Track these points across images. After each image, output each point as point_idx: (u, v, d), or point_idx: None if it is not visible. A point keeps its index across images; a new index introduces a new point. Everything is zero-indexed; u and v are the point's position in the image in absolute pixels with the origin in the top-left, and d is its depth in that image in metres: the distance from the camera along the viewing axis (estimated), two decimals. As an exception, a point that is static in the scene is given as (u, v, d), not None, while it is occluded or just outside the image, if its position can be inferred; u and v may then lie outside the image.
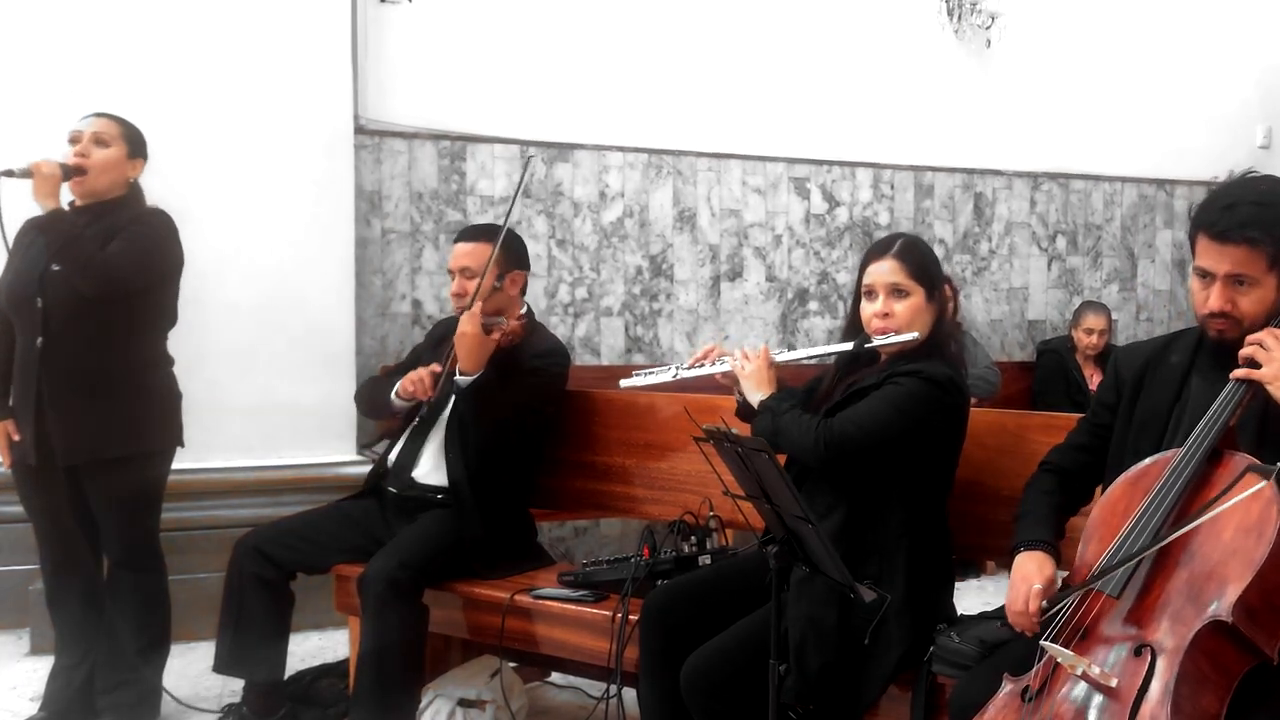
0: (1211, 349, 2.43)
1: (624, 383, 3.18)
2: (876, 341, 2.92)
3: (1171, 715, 1.99)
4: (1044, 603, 2.33)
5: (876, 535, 2.80)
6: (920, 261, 2.95)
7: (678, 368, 3.12)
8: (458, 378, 3.56)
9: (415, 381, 3.66)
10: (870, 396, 2.84)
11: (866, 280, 2.97)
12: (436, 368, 3.67)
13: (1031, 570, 2.45)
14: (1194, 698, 2.03)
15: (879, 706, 2.77)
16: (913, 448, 2.80)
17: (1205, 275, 2.36)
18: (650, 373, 3.16)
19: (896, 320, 2.90)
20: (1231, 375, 2.28)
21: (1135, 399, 2.53)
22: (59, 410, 3.48)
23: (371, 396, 3.91)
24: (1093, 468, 2.64)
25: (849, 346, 3.01)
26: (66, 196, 3.53)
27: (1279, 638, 2.09)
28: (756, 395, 2.96)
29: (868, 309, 2.96)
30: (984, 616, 2.77)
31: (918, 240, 3.05)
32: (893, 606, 2.68)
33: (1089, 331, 6.44)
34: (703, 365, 3.08)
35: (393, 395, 3.74)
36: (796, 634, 2.71)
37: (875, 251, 2.99)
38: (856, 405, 2.85)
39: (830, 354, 3.11)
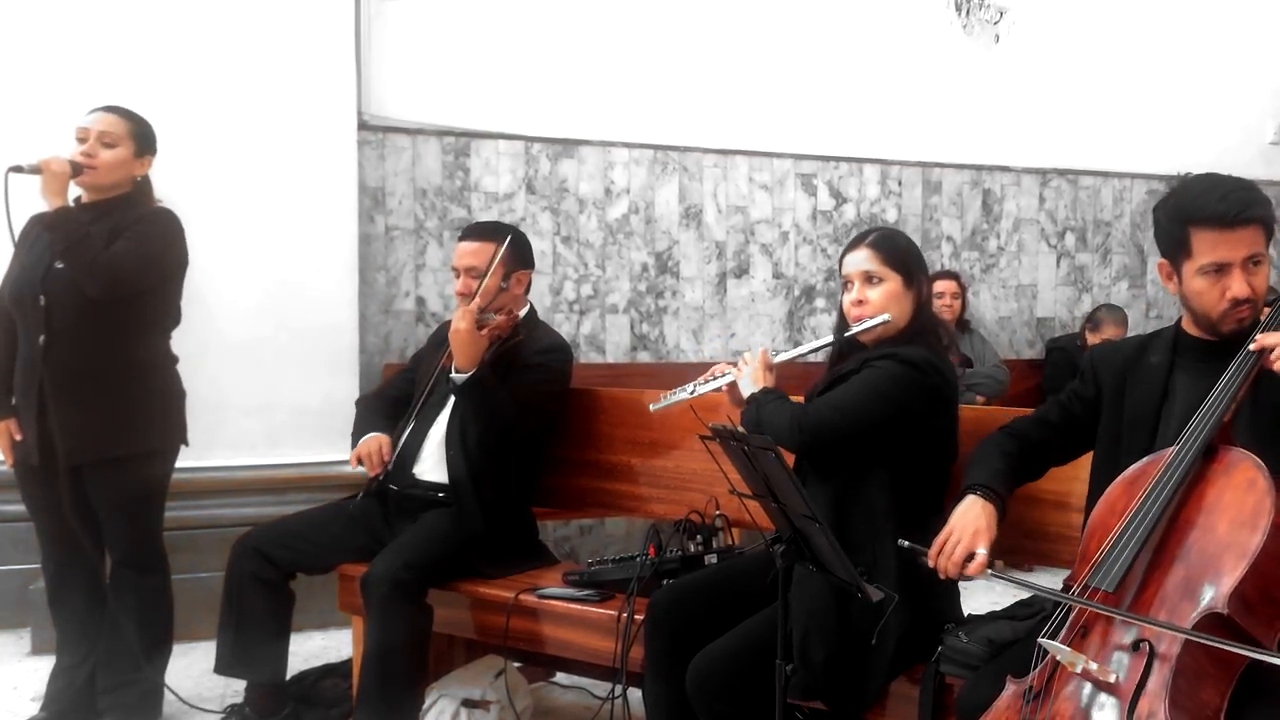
0: (1192, 346, 2.47)
1: (653, 406, 3.22)
2: (854, 329, 2.96)
3: (1169, 709, 2.00)
4: (988, 574, 2.37)
5: (867, 523, 2.80)
6: (894, 250, 2.99)
7: (695, 385, 3.14)
8: (453, 375, 3.55)
9: (365, 456, 3.72)
10: (848, 381, 2.88)
11: (843, 272, 3.03)
12: (387, 448, 3.70)
13: (982, 526, 2.45)
14: (1192, 691, 2.04)
15: (886, 707, 2.76)
16: (895, 431, 2.80)
17: (1219, 269, 2.36)
18: (673, 393, 3.18)
19: (871, 306, 2.94)
20: (1251, 349, 2.28)
21: (1119, 400, 2.54)
22: (62, 409, 3.46)
23: (356, 426, 3.90)
24: (1051, 447, 2.68)
25: (830, 339, 3.08)
26: (73, 191, 3.51)
27: (1276, 629, 2.11)
28: (750, 390, 2.99)
29: (845, 300, 3.01)
30: (992, 616, 2.78)
31: (894, 231, 3.13)
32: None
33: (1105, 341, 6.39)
34: (714, 379, 3.11)
35: (353, 456, 3.77)
36: (799, 629, 2.70)
37: (850, 244, 3.06)
38: (834, 390, 2.89)
39: (820, 348, 3.16)
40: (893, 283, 2.94)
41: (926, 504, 2.87)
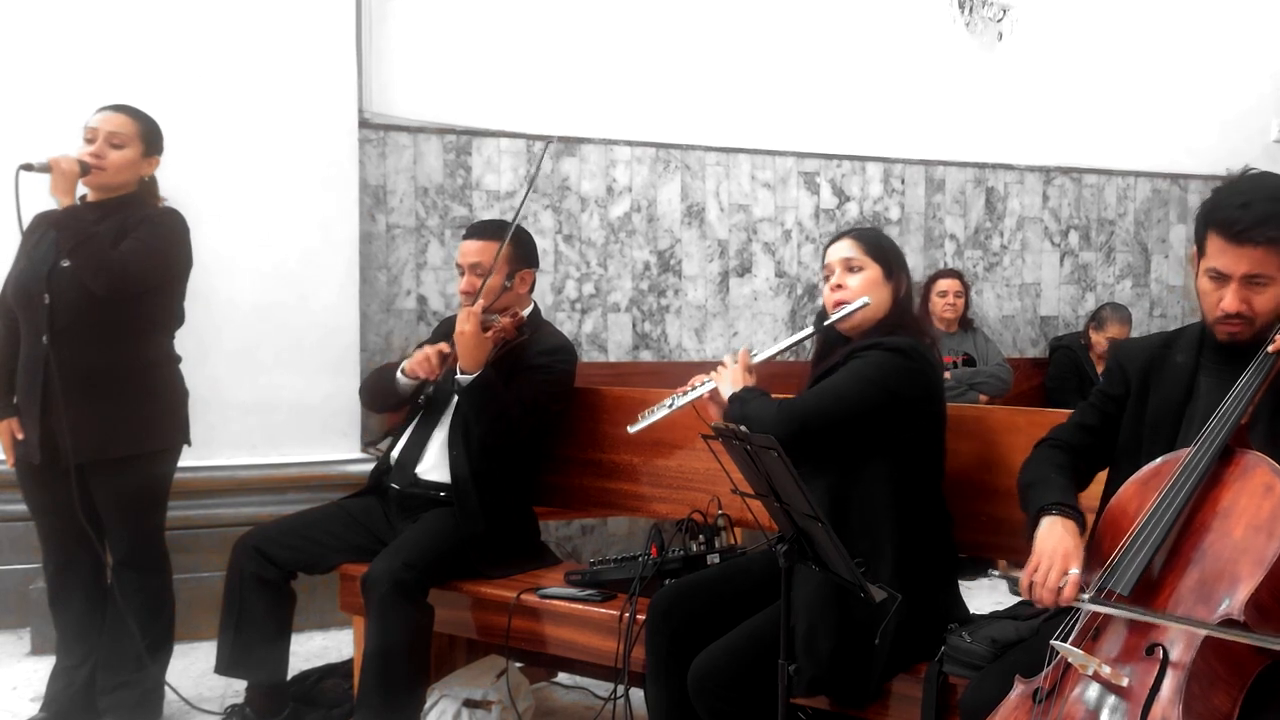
0: (1216, 346, 2.42)
1: (632, 428, 3.20)
2: (835, 316, 2.99)
3: (1183, 714, 1.99)
4: (1084, 595, 2.20)
5: (864, 515, 2.80)
6: (875, 242, 3.05)
7: (674, 398, 3.13)
8: (459, 376, 3.54)
9: (421, 361, 3.66)
10: (835, 373, 2.90)
11: (825, 263, 3.09)
12: (445, 347, 3.65)
13: (1070, 546, 2.28)
14: (1206, 697, 2.03)
15: (889, 707, 2.76)
16: (889, 420, 2.82)
17: (1220, 276, 2.32)
18: (651, 411, 3.16)
19: (851, 292, 2.99)
20: (1270, 350, 2.26)
21: (1143, 398, 2.50)
22: (66, 408, 3.44)
23: (375, 386, 3.89)
24: (1097, 451, 2.59)
25: (811, 330, 3.12)
26: (77, 190, 3.50)
27: None
28: (731, 391, 2.99)
29: (825, 290, 3.06)
30: (996, 616, 2.78)
31: (875, 228, 3.16)
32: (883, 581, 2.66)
33: (1112, 340, 6.37)
34: (693, 389, 3.10)
35: (399, 373, 3.72)
36: (804, 623, 2.70)
37: (833, 238, 3.12)
38: (821, 382, 2.92)
39: (800, 340, 3.18)
40: (873, 271, 2.99)
41: (923, 495, 2.89)
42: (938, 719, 2.64)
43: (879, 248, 3.03)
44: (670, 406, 3.11)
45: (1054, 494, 2.41)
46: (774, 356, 3.16)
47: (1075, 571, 2.23)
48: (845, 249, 3.02)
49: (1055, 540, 2.30)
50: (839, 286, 3.00)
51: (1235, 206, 2.28)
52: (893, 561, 2.75)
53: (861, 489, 2.81)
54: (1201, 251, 2.36)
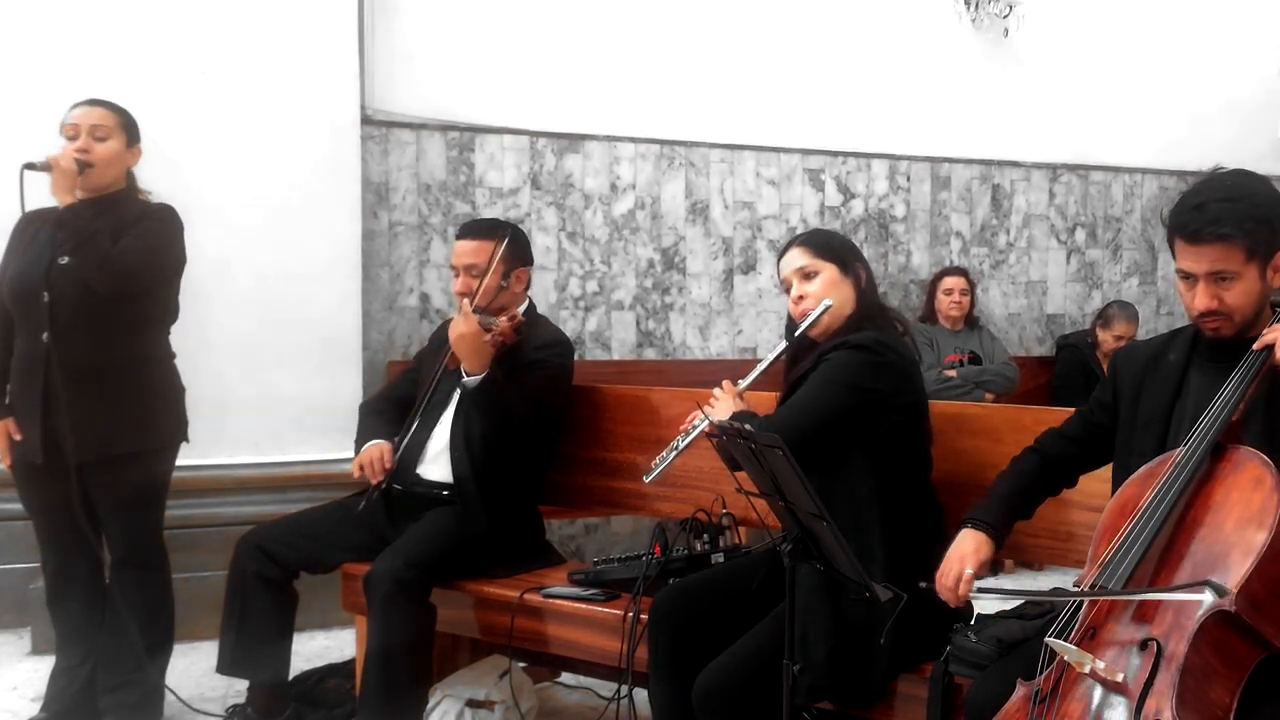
0: (1208, 344, 2.46)
1: (648, 478, 3.18)
2: (803, 325, 3.01)
3: (1176, 707, 2.00)
4: (975, 589, 2.49)
5: (851, 514, 2.79)
6: (822, 242, 3.09)
7: (678, 441, 3.12)
8: (465, 379, 3.52)
9: (367, 464, 3.67)
10: (807, 381, 2.93)
11: (781, 277, 3.11)
12: (388, 456, 3.64)
13: (969, 550, 2.54)
14: (1201, 690, 2.04)
15: (894, 707, 2.76)
16: (864, 417, 2.84)
17: (1188, 277, 2.39)
18: (662, 459, 3.16)
19: (811, 298, 3.02)
20: (1255, 347, 2.29)
21: (1136, 400, 2.54)
22: (68, 406, 3.43)
23: (359, 433, 3.87)
24: (1077, 460, 2.70)
25: (784, 344, 3.13)
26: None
27: None
28: (723, 419, 2.99)
29: (789, 303, 3.08)
30: (1001, 616, 2.78)
31: (822, 229, 3.19)
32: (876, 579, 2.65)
33: (1118, 339, 6.34)
34: (692, 428, 3.09)
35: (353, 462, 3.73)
36: (799, 629, 2.68)
37: (781, 250, 3.15)
38: (796, 393, 2.95)
39: (777, 357, 3.17)
40: (828, 272, 3.02)
41: (910, 488, 2.90)
42: (943, 719, 2.64)
43: (828, 247, 3.06)
44: (676, 449, 3.11)
45: (981, 510, 2.63)
46: (758, 378, 3.16)
47: (969, 571, 2.50)
48: (796, 258, 3.05)
49: (957, 547, 2.57)
50: (800, 297, 3.03)
51: (1190, 209, 2.35)
52: (884, 560, 2.75)
53: (844, 489, 2.82)
54: (1173, 255, 2.42)
